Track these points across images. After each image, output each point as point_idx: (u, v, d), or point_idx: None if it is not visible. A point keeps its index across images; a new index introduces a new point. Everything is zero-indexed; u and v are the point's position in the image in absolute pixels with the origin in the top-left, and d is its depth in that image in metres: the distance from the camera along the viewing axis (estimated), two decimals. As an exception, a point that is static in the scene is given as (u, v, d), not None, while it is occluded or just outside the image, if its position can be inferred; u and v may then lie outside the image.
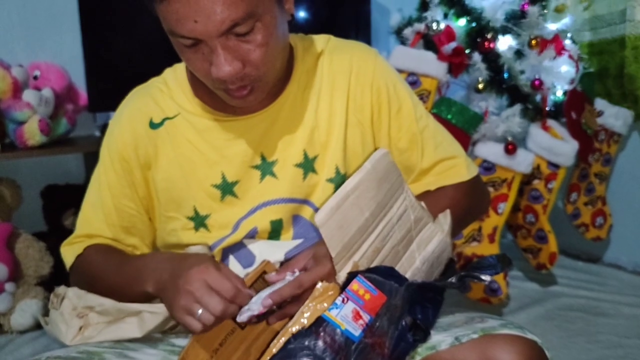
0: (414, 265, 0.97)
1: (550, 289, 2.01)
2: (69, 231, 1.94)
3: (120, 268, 0.95)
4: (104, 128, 2.05)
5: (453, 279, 0.93)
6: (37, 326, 1.76)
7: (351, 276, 0.87)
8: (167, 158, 0.98)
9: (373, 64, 1.01)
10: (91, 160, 2.02)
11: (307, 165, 0.97)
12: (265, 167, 0.97)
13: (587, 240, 2.11)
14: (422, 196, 1.02)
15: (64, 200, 1.98)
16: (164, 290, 0.87)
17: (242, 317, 0.83)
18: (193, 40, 0.82)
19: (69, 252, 1.02)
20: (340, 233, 0.88)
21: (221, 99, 0.93)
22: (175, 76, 1.01)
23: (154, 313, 0.89)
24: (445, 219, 1.03)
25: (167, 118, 0.98)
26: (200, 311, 0.82)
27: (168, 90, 1.00)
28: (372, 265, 0.92)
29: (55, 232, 1.99)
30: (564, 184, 1.95)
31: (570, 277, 2.09)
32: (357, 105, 0.99)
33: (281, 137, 0.97)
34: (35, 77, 1.87)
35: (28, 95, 1.74)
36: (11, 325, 1.74)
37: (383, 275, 0.88)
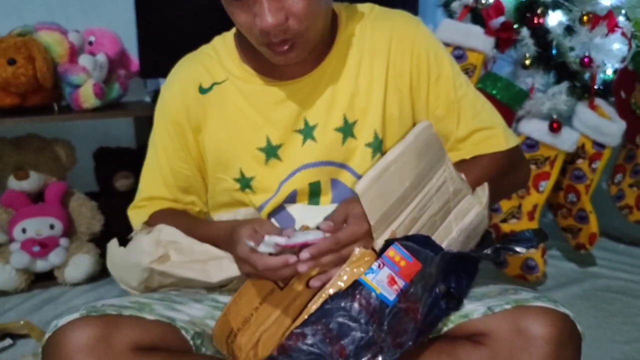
0: (450, 235, 1.00)
1: (589, 270, 1.99)
2: (119, 192, 2.04)
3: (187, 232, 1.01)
4: (154, 94, 2.11)
5: (488, 250, 0.95)
6: (89, 280, 1.87)
7: (388, 243, 0.90)
8: (215, 121, 1.03)
9: (414, 31, 1.02)
10: (141, 124, 2.09)
11: (347, 130, 1.01)
12: (307, 131, 1.01)
13: (630, 222, 2.07)
14: (457, 165, 1.03)
15: (115, 162, 2.07)
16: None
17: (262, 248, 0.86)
18: None
19: (135, 216, 1.10)
20: (379, 202, 0.91)
21: (267, 63, 0.97)
22: (224, 43, 1.05)
23: (234, 262, 0.94)
24: (483, 191, 1.04)
25: (216, 83, 1.03)
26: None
27: (217, 57, 1.04)
28: (410, 233, 0.95)
29: (106, 192, 2.07)
30: (609, 164, 1.91)
31: (610, 259, 2.06)
32: (397, 72, 1.01)
33: (323, 102, 1.01)
34: (90, 43, 1.94)
35: (84, 60, 1.81)
36: (65, 278, 1.85)
37: (419, 244, 0.91)
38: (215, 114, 1.03)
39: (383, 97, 1.01)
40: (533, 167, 1.76)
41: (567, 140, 1.72)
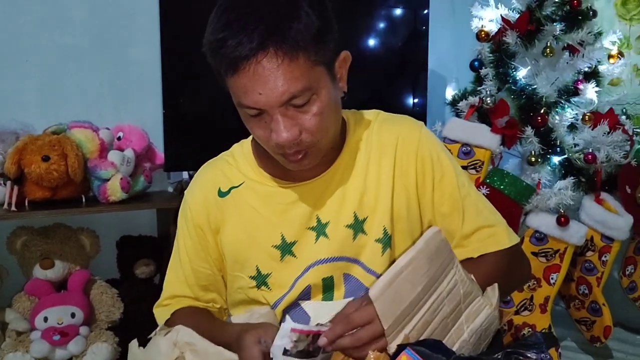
0: (462, 337, 1.03)
1: (605, 363, 1.97)
2: (139, 279, 2.09)
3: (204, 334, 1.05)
4: (177, 185, 2.21)
5: (499, 355, 0.98)
6: (106, 369, 1.89)
7: (400, 348, 0.94)
8: (233, 223, 1.10)
9: (418, 134, 1.10)
10: (163, 214, 2.17)
11: (357, 226, 1.07)
12: (320, 228, 1.07)
13: (645, 314, 2.07)
14: (465, 263, 1.07)
15: (136, 250, 2.13)
16: None
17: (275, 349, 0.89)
18: (257, 111, 0.94)
19: (160, 314, 1.15)
20: (392, 307, 0.96)
21: (282, 167, 1.05)
22: (241, 150, 1.15)
23: None
24: (493, 292, 1.08)
25: (234, 187, 1.11)
26: None
27: (235, 162, 1.13)
28: (422, 337, 0.99)
29: (127, 279, 2.13)
30: (619, 256, 1.94)
31: (627, 352, 2.03)
32: (403, 172, 1.08)
33: (334, 201, 1.07)
34: (119, 138, 2.06)
35: (113, 156, 1.92)
36: (83, 367, 1.86)
37: (431, 348, 0.94)
38: (233, 216, 1.10)
39: (391, 195, 1.08)
40: (543, 259, 1.79)
41: (576, 234, 1.76)
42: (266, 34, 0.88)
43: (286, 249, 1.08)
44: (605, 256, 1.82)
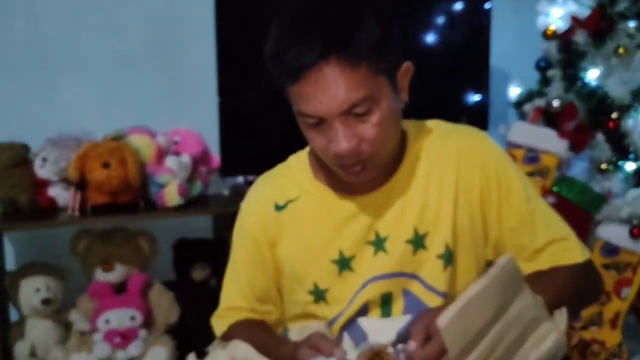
0: (526, 363, 0.98)
1: (681, 382, 1.86)
2: (195, 283, 2.11)
3: (259, 349, 1.05)
4: (232, 188, 2.22)
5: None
6: (164, 371, 1.92)
7: (463, 380, 0.90)
8: (290, 237, 1.08)
9: (482, 146, 1.05)
10: (219, 218, 2.19)
11: (418, 241, 1.03)
12: (379, 243, 1.04)
13: None
14: (535, 276, 1.02)
15: (193, 254, 2.16)
16: None
17: None
18: (316, 119, 0.92)
19: (217, 325, 1.15)
20: (460, 337, 0.91)
21: (340, 179, 1.02)
22: (298, 161, 1.12)
23: None
24: (561, 316, 1.02)
25: (290, 201, 1.09)
26: None
27: (291, 175, 1.11)
28: (485, 364, 0.94)
29: (184, 283, 2.16)
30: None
31: None
32: (467, 186, 1.04)
33: (393, 215, 1.04)
34: (176, 142, 2.09)
35: (170, 162, 1.95)
36: (142, 370, 1.91)
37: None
38: (290, 230, 1.08)
39: (453, 209, 1.03)
40: (614, 272, 1.70)
41: (650, 246, 1.66)
42: (329, 42, 0.87)
43: (344, 263, 1.05)
44: (682, 270, 1.71)
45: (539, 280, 1.02)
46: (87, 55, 2.16)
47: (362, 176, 0.99)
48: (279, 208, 1.10)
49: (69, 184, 1.89)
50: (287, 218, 1.08)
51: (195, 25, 2.21)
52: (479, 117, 2.23)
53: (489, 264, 1.09)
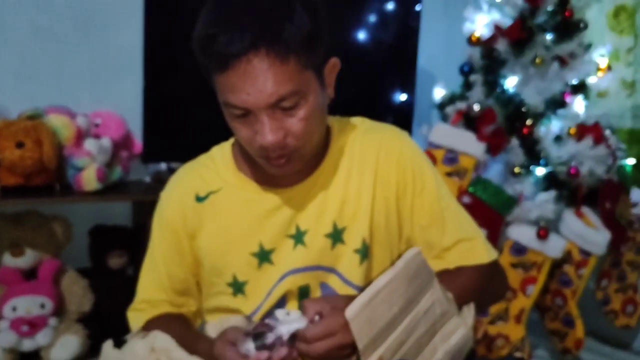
0: (435, 356, 1.02)
1: (575, 375, 1.99)
2: (112, 270, 2.05)
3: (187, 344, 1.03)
4: (154, 175, 2.17)
5: (472, 380, 0.97)
6: (74, 361, 1.86)
7: (374, 371, 0.93)
8: (210, 228, 1.07)
9: (400, 144, 1.08)
10: (139, 205, 2.13)
11: (336, 236, 1.05)
12: (298, 236, 1.05)
13: (617, 327, 2.10)
14: (441, 274, 1.06)
15: (110, 241, 2.09)
16: None
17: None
18: (243, 111, 0.92)
19: (134, 318, 1.12)
20: (368, 327, 0.94)
21: (263, 172, 1.02)
22: (221, 152, 1.11)
23: None
24: (469, 312, 1.07)
25: (212, 192, 1.08)
26: None
27: (214, 166, 1.10)
28: (396, 355, 0.97)
29: (99, 270, 2.09)
30: (596, 269, 1.96)
31: (596, 363, 2.07)
32: (384, 182, 1.07)
33: (314, 209, 1.05)
34: (97, 125, 2.01)
35: (89, 144, 1.87)
36: (50, 359, 1.83)
37: (405, 371, 0.93)
38: (211, 222, 1.07)
39: (371, 205, 1.06)
40: (520, 271, 1.80)
41: (554, 247, 1.77)
42: (259, 32, 0.86)
43: (264, 256, 1.05)
44: (581, 270, 1.84)
45: (445, 278, 1.06)
46: (4, 28, 2.03)
47: (286, 169, 0.99)
48: (199, 199, 1.08)
49: (-23, 163, 1.78)
50: (208, 209, 1.07)
51: (123, 3, 2.14)
52: (403, 116, 2.29)
53: None
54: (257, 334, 0.89)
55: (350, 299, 0.96)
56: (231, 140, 1.11)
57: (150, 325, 1.09)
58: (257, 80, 0.88)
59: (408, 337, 0.99)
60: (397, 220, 1.08)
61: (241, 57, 0.87)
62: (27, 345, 1.83)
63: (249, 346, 0.89)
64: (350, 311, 0.94)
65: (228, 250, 1.06)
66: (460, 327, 1.04)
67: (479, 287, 1.07)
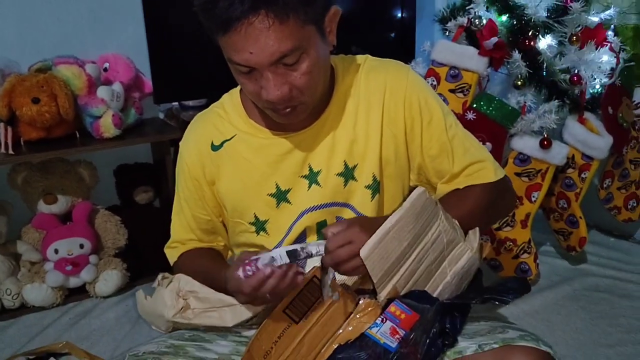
0: (445, 279, 1.13)
1: (579, 267, 2.12)
2: (140, 206, 2.17)
3: (205, 276, 1.16)
4: (167, 112, 2.23)
5: (477, 300, 1.09)
6: (118, 291, 2.03)
7: (390, 301, 1.05)
8: (228, 174, 1.17)
9: (405, 80, 1.14)
10: (157, 143, 2.21)
11: (348, 174, 1.14)
12: (312, 177, 1.14)
13: (619, 222, 2.20)
14: (451, 193, 1.16)
15: (134, 178, 2.21)
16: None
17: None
18: (248, 68, 0.98)
19: (170, 254, 1.27)
20: (381, 263, 1.05)
21: (272, 119, 1.09)
22: (231, 101, 1.18)
23: (247, 308, 1.09)
24: (475, 236, 1.17)
25: (226, 140, 1.17)
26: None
27: (226, 115, 1.18)
28: (408, 284, 1.09)
29: (128, 206, 2.22)
30: (598, 171, 2.03)
31: (600, 255, 2.18)
32: (391, 120, 1.14)
33: (324, 150, 1.14)
34: (105, 69, 2.05)
35: (102, 92, 1.92)
36: (96, 292, 2.01)
37: (417, 299, 1.05)
38: (228, 168, 1.17)
39: (379, 143, 1.14)
40: (525, 179, 1.87)
41: (557, 155, 1.82)
42: None
43: (281, 196, 1.15)
44: (584, 174, 1.90)
45: (454, 197, 1.15)
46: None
47: (292, 118, 1.06)
48: (215, 148, 1.17)
49: (-2, 120, 1.85)
50: (224, 156, 1.16)
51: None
52: (405, 33, 2.28)
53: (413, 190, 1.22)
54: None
55: (363, 219, 1.06)
56: (239, 87, 1.17)
57: (182, 259, 1.24)
58: (258, 40, 0.93)
59: (419, 266, 1.10)
60: (406, 155, 1.16)
61: (242, 19, 0.91)
62: (74, 282, 2.00)
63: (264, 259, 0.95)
64: (363, 251, 1.04)
65: (246, 193, 1.16)
66: (466, 251, 1.15)
67: (487, 204, 1.16)
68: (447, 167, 1.16)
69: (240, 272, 0.96)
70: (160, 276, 1.22)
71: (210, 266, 1.21)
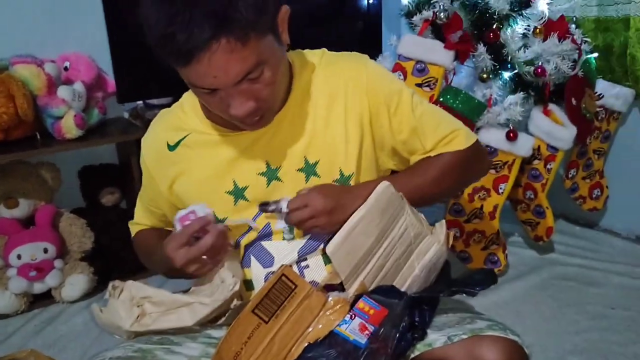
0: (413, 273, 1.13)
1: (547, 257, 2.15)
2: (105, 207, 2.13)
3: (155, 250, 1.16)
4: (131, 111, 2.18)
5: (445, 293, 1.09)
6: (85, 296, 1.99)
7: (358, 296, 1.04)
8: (185, 173, 1.16)
9: (364, 71, 1.13)
10: (122, 143, 2.16)
11: (309, 170, 1.13)
12: (271, 173, 1.13)
13: (585, 211, 2.24)
14: (420, 160, 1.16)
15: (99, 179, 2.16)
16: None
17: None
18: (211, 90, 0.96)
19: (131, 229, 1.33)
20: (348, 259, 1.04)
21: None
22: (191, 101, 1.17)
23: (204, 304, 1.07)
24: (441, 229, 1.18)
25: (181, 139, 1.15)
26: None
27: (184, 115, 1.17)
28: (377, 279, 1.09)
29: (94, 208, 2.17)
30: (563, 162, 2.06)
31: (567, 244, 2.22)
32: (355, 112, 1.12)
33: (283, 146, 1.12)
34: (66, 68, 1.99)
35: (62, 92, 1.87)
36: (62, 297, 1.96)
37: (385, 294, 1.05)
38: (184, 167, 1.15)
39: (344, 136, 1.13)
40: (492, 171, 1.89)
41: (523, 146, 1.85)
42: (216, 23, 0.87)
43: (239, 193, 1.14)
44: (550, 164, 1.93)
45: (424, 162, 1.15)
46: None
47: (260, 125, 1.06)
48: (171, 148, 1.16)
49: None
50: (180, 156, 1.15)
51: None
52: (372, 24, 2.27)
53: (393, 173, 1.22)
54: None
55: (326, 185, 1.08)
56: None
57: (137, 236, 1.30)
58: (221, 66, 0.91)
59: (386, 261, 1.10)
60: (372, 146, 1.15)
61: (204, 49, 0.88)
62: (38, 287, 1.95)
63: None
64: (330, 248, 1.04)
65: (205, 191, 1.15)
66: (433, 244, 1.15)
67: (459, 167, 1.16)
68: (420, 146, 1.16)
69: (177, 224, 1.04)
70: (110, 286, 1.18)
71: (157, 243, 1.20)
